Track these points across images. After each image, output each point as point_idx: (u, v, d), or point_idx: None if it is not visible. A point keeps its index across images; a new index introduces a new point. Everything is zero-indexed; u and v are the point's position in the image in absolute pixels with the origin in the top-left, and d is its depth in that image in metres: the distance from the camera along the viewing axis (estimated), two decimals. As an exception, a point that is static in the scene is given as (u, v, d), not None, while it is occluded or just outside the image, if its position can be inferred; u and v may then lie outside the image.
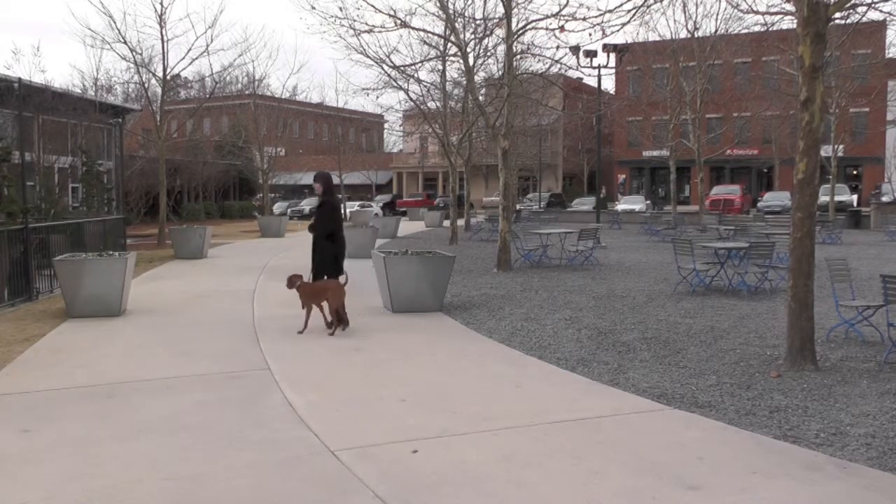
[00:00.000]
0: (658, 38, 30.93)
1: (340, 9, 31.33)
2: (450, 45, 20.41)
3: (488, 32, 19.69)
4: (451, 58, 22.53)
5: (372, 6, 16.48)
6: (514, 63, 17.77)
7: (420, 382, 6.67)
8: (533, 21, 16.27)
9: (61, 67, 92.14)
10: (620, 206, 44.21)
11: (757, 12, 18.30)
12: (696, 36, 28.44)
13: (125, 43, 22.63)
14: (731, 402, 5.99)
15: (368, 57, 20.97)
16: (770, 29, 21.12)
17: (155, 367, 7.21)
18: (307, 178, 54.55)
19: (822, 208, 29.78)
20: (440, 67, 24.35)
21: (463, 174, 29.96)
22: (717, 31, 28.43)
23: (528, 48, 19.96)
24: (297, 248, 21.64)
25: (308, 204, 51.05)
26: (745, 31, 28.46)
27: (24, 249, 11.61)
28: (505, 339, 8.60)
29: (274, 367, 7.16)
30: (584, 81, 43.59)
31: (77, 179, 20.37)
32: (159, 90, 24.91)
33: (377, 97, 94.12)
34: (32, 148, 17.12)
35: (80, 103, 19.16)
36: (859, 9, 12.54)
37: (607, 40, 35.77)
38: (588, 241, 16.87)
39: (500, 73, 21.20)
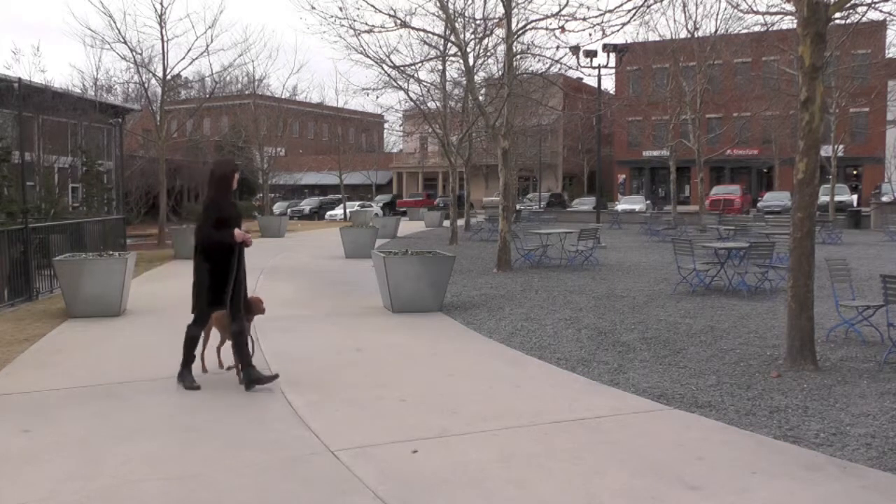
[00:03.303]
0: (658, 38, 30.95)
1: (340, 9, 31.22)
2: (450, 45, 20.42)
3: (488, 32, 19.70)
4: (451, 58, 22.55)
5: (372, 6, 16.51)
6: (514, 63, 17.77)
7: (420, 382, 6.67)
8: (533, 21, 16.30)
9: (61, 67, 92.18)
10: (620, 206, 44.21)
11: (757, 12, 18.37)
12: (696, 36, 28.45)
13: (125, 43, 22.63)
14: (731, 402, 5.99)
15: (368, 57, 21.01)
16: (770, 29, 21.14)
17: (155, 367, 7.20)
18: (307, 178, 54.85)
19: (822, 208, 29.77)
20: (440, 67, 24.37)
21: (463, 174, 29.96)
22: (717, 31, 28.47)
23: (528, 48, 19.98)
24: (297, 249, 21.66)
25: (308, 204, 51.10)
26: (745, 31, 28.47)
27: (24, 249, 11.61)
28: (505, 339, 8.59)
29: (274, 367, 7.15)
30: (584, 81, 43.59)
31: (77, 179, 20.38)
32: (159, 90, 24.90)
33: (377, 97, 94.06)
34: (32, 148, 17.12)
35: (80, 103, 19.14)
36: (859, 9, 12.56)
37: (607, 40, 35.77)
38: (588, 241, 16.87)
39: (500, 73, 21.21)
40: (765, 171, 56.68)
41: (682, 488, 4.29)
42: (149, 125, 30.07)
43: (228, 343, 6.63)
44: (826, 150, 29.14)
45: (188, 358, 6.50)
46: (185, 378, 6.45)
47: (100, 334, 8.91)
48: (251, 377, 6.34)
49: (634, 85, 50.00)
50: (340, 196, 43.87)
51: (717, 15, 40.86)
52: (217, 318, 6.69)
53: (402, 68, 21.72)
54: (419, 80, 24.50)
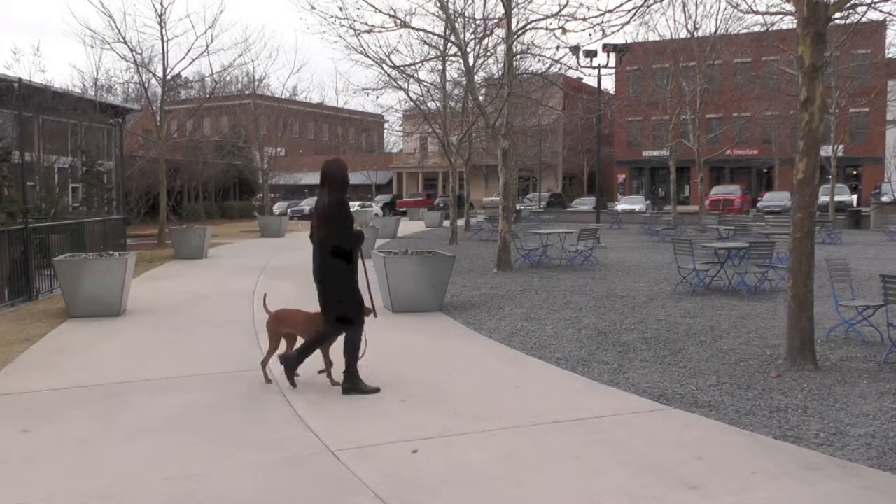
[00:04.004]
0: (658, 38, 30.95)
1: (340, 9, 31.35)
2: (450, 45, 20.42)
3: (488, 32, 19.72)
4: (451, 58, 22.57)
5: (372, 6, 16.54)
6: (514, 63, 17.77)
7: (420, 382, 6.67)
8: (533, 21, 16.30)
9: (61, 67, 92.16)
10: (620, 206, 44.19)
11: (757, 12, 18.39)
12: (695, 36, 28.44)
13: (125, 43, 22.68)
14: (731, 402, 5.99)
15: (368, 57, 21.04)
16: (770, 29, 21.15)
17: (155, 367, 7.21)
18: (307, 179, 54.86)
19: (822, 208, 29.77)
20: (440, 67, 24.38)
21: (463, 174, 29.96)
22: (716, 31, 28.45)
23: (528, 48, 20.00)
24: (297, 248, 21.65)
25: (308, 204, 51.08)
26: (745, 31, 28.46)
27: (24, 249, 11.62)
28: (505, 339, 8.60)
29: (274, 367, 7.15)
30: (584, 81, 43.64)
31: (77, 179, 20.39)
32: (159, 90, 24.93)
33: (377, 97, 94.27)
34: (32, 148, 17.13)
35: (80, 103, 19.17)
36: (859, 9, 12.57)
37: (607, 40, 35.80)
38: (588, 241, 16.87)
39: (500, 73, 21.22)
40: (765, 171, 56.68)
41: (682, 488, 4.29)
42: (149, 125, 30.10)
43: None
44: (826, 150, 29.14)
45: (353, 363, 6.31)
46: (358, 383, 6.27)
47: (100, 334, 8.91)
48: (291, 361, 6.35)
49: (634, 85, 49.95)
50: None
51: (717, 15, 40.89)
52: (279, 320, 6.60)
53: (402, 68, 21.76)
54: (419, 80, 24.55)
